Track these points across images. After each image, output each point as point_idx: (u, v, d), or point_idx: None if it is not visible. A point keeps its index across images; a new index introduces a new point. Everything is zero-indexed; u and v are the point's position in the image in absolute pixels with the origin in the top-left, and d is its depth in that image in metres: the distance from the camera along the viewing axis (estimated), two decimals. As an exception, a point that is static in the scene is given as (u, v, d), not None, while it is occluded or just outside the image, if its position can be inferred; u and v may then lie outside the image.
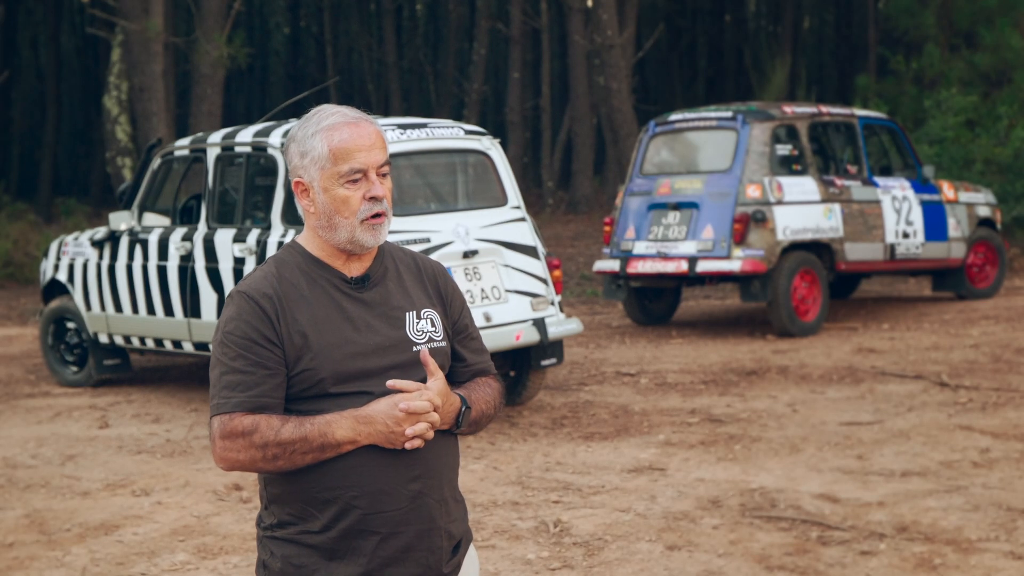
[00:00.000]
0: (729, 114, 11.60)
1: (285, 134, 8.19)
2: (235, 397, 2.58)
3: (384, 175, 2.69)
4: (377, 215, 2.66)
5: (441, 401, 2.64)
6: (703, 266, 11.07)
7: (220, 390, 2.60)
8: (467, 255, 7.94)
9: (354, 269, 2.72)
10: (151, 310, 8.90)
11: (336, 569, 2.63)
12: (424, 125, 8.27)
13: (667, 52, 35.10)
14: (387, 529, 2.62)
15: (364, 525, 2.62)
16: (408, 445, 2.61)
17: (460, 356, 2.82)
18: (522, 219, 8.41)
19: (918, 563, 5.33)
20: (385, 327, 2.68)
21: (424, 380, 2.67)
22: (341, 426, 2.56)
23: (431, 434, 2.63)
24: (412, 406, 2.59)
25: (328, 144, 2.64)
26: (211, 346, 2.71)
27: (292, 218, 8.04)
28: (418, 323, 2.72)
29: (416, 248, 7.62)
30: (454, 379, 2.81)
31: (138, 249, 9.03)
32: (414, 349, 2.69)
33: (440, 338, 2.75)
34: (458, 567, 2.76)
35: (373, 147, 2.66)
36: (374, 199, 2.65)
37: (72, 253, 9.68)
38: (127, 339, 9.28)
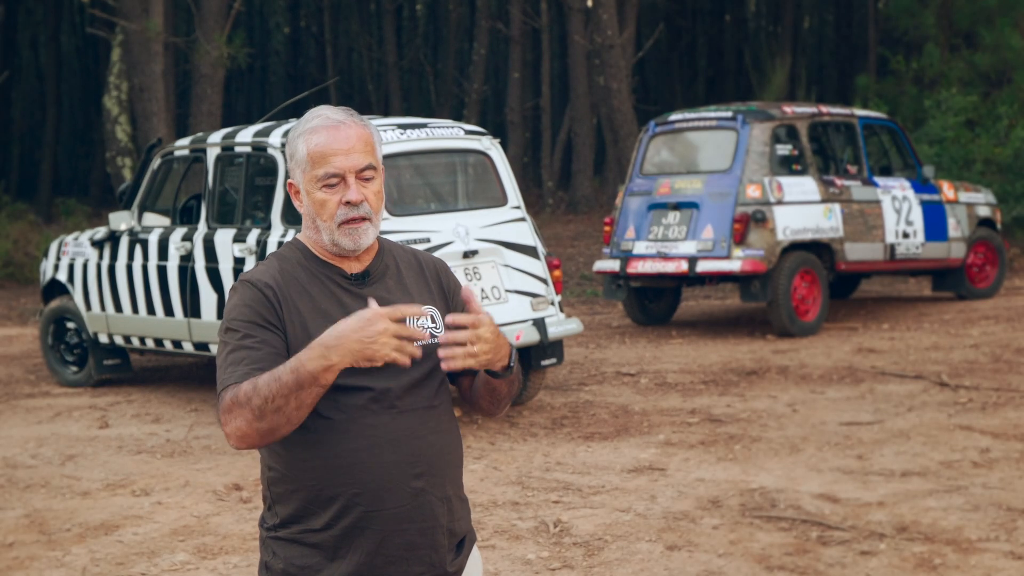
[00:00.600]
0: (729, 114, 11.60)
1: (285, 134, 8.19)
2: (240, 369, 2.56)
3: (368, 179, 2.66)
4: (353, 220, 2.65)
5: (490, 334, 2.57)
6: (703, 266, 11.07)
7: (226, 368, 2.58)
8: (467, 255, 7.94)
9: (354, 266, 2.72)
10: (151, 310, 8.90)
11: (339, 568, 2.63)
12: (424, 125, 8.27)
13: (667, 52, 35.11)
14: (389, 527, 2.62)
15: (366, 523, 2.61)
16: (396, 358, 2.49)
17: None
18: (522, 219, 8.41)
19: (918, 563, 5.33)
20: None
21: (425, 377, 2.67)
22: (310, 357, 2.48)
23: (417, 351, 2.53)
24: (406, 310, 2.50)
25: (307, 147, 2.64)
26: (218, 334, 2.69)
27: (292, 218, 8.04)
28: (419, 319, 2.72)
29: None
30: (457, 372, 2.80)
31: (138, 249, 9.03)
32: (414, 345, 2.69)
33: (441, 333, 2.74)
34: (462, 566, 2.76)
35: (351, 151, 2.63)
36: (349, 204, 2.64)
37: (72, 253, 9.68)
38: (127, 339, 9.28)
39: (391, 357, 2.47)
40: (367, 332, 2.45)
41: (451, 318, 2.55)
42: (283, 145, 8.14)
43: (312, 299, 2.65)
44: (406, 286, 2.75)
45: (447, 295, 2.81)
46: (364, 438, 2.61)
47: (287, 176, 8.44)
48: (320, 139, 2.63)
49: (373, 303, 2.51)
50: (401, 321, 2.50)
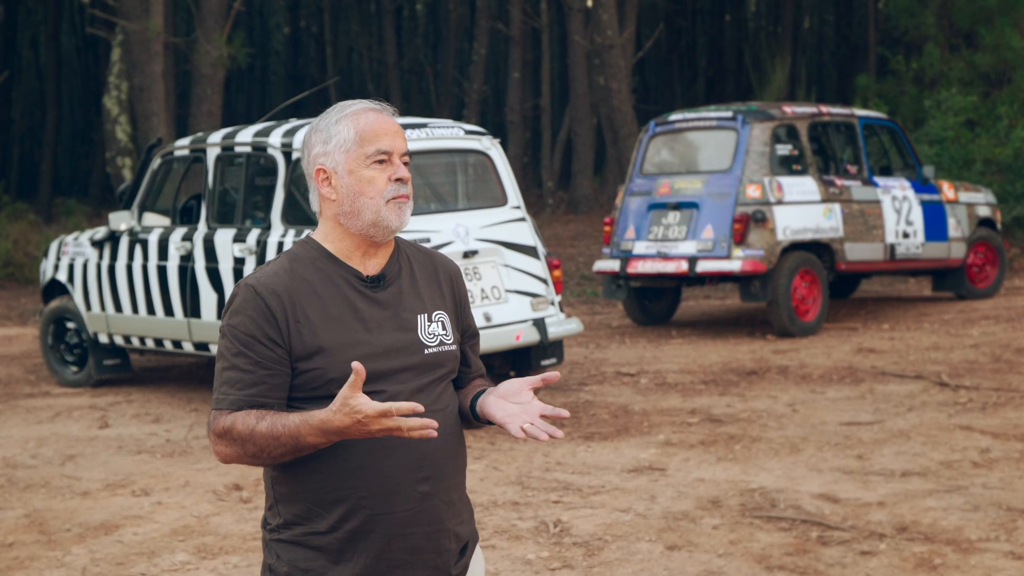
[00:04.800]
0: (729, 114, 11.60)
1: (285, 134, 8.19)
2: (232, 394, 2.58)
3: (406, 163, 2.70)
4: (403, 196, 2.67)
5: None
6: (703, 266, 11.07)
7: (219, 385, 2.61)
8: (467, 255, 7.94)
9: (370, 267, 2.69)
10: (151, 310, 8.90)
11: (343, 572, 2.61)
12: (424, 125, 8.27)
13: (667, 52, 35.09)
14: (395, 530, 2.61)
15: (371, 526, 2.60)
16: (412, 433, 2.48)
17: (466, 360, 2.82)
18: (522, 219, 8.41)
19: (918, 563, 5.33)
20: (397, 329, 2.66)
21: (436, 381, 2.68)
22: (311, 434, 2.51)
23: (433, 424, 2.51)
24: (402, 407, 2.47)
25: (355, 127, 2.66)
26: (219, 330, 2.69)
27: (292, 218, 8.04)
28: (430, 326, 2.71)
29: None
30: (457, 383, 2.81)
31: (138, 249, 9.03)
32: (425, 352, 2.68)
33: (451, 341, 2.73)
34: (465, 568, 2.76)
35: (397, 135, 2.68)
36: (400, 180, 2.66)
37: (72, 253, 9.68)
38: (127, 339, 9.28)
39: (424, 434, 2.48)
40: (365, 430, 2.47)
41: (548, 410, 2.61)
42: (283, 145, 8.13)
43: (323, 303, 2.63)
44: (419, 290, 2.74)
45: (457, 302, 2.80)
46: (372, 441, 2.59)
47: (294, 171, 8.41)
48: (370, 119, 2.67)
49: (363, 399, 2.44)
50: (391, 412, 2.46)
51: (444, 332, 2.73)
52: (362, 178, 2.65)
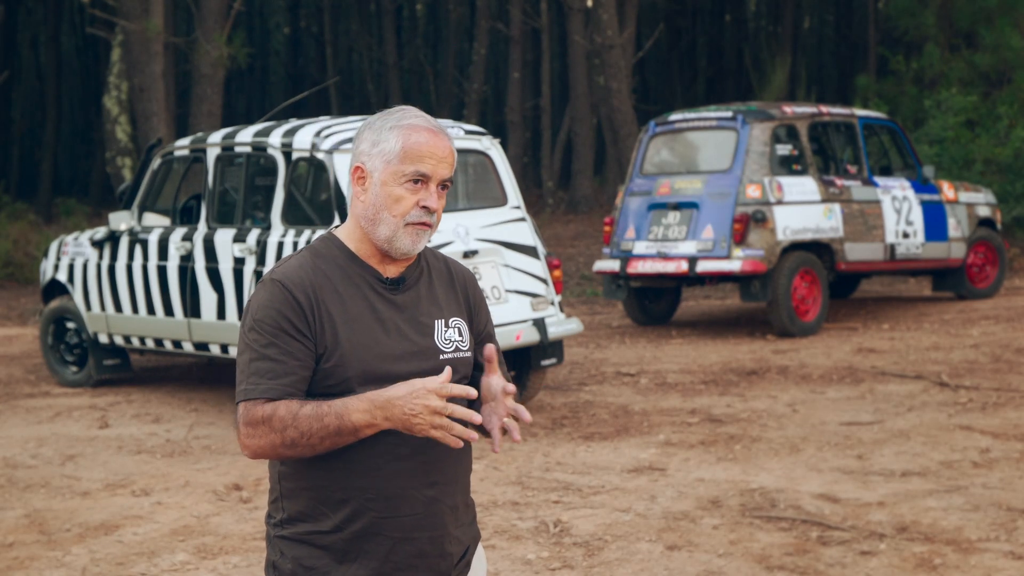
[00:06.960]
0: (729, 114, 11.60)
1: (285, 134, 8.19)
2: (263, 384, 2.55)
3: (443, 192, 2.67)
4: (423, 224, 2.64)
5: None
6: (703, 266, 11.08)
7: (248, 376, 2.57)
8: (467, 255, 7.94)
9: (390, 270, 2.69)
10: (151, 310, 8.90)
11: (347, 572, 2.61)
12: (424, 125, 8.25)
13: (667, 52, 35.11)
14: (400, 534, 2.61)
15: (377, 529, 2.60)
16: (438, 436, 2.49)
17: (481, 367, 2.80)
18: (522, 219, 8.41)
19: (918, 563, 5.33)
20: (414, 333, 2.66)
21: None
22: (358, 409, 2.51)
23: (473, 435, 2.55)
24: (454, 389, 2.49)
25: (403, 141, 2.63)
26: (240, 331, 2.66)
27: (292, 218, 8.05)
28: (446, 331, 2.71)
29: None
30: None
31: (138, 249, 9.03)
32: (441, 357, 2.68)
33: (466, 348, 2.73)
34: (467, 568, 2.77)
35: (443, 161, 2.65)
36: (426, 208, 2.64)
37: (72, 253, 9.68)
38: (127, 339, 9.28)
39: (428, 434, 2.49)
40: (411, 405, 2.48)
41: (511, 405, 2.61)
42: (283, 145, 8.13)
43: (344, 303, 2.62)
44: (436, 295, 2.74)
45: (472, 309, 2.80)
46: (383, 444, 2.59)
47: (294, 171, 8.35)
48: (421, 138, 2.63)
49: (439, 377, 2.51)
50: (454, 399, 2.52)
51: (460, 339, 2.73)
52: (391, 194, 2.63)
